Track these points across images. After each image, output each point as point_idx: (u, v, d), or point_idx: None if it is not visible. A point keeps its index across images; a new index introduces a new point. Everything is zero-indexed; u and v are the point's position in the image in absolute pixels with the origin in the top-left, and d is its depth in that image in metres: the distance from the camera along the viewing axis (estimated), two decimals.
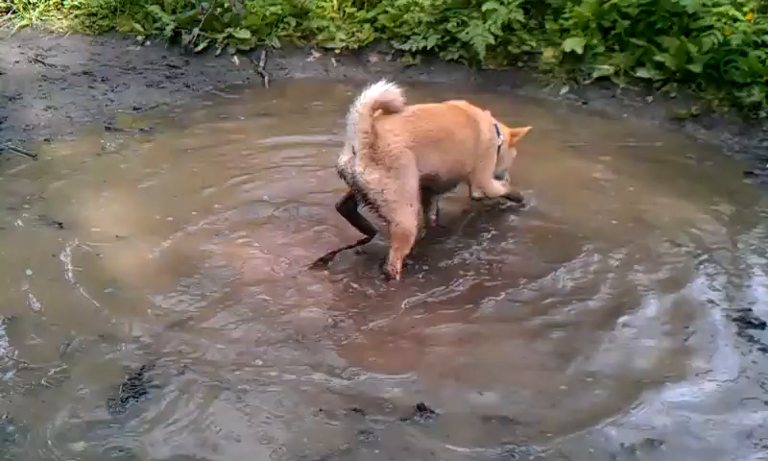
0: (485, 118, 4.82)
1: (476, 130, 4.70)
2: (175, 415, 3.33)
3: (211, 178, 5.54)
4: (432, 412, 3.35)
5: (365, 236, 4.58)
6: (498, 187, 5.01)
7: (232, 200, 5.24)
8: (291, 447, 3.18)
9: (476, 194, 4.95)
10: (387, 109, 4.25)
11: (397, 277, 4.33)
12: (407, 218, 4.28)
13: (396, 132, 4.22)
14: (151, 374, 3.56)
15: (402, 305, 4.16)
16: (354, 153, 4.15)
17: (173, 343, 3.79)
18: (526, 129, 5.09)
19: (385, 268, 4.36)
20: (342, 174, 4.26)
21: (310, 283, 4.33)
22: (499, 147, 4.89)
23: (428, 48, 8.06)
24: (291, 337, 3.86)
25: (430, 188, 4.61)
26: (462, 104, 4.86)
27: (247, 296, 4.20)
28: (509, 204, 5.20)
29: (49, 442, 3.16)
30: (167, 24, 8.40)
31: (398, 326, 4.00)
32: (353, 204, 4.40)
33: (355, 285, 4.33)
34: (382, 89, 4.14)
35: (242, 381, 3.53)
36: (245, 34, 8.28)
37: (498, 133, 4.88)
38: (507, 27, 7.77)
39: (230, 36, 8.34)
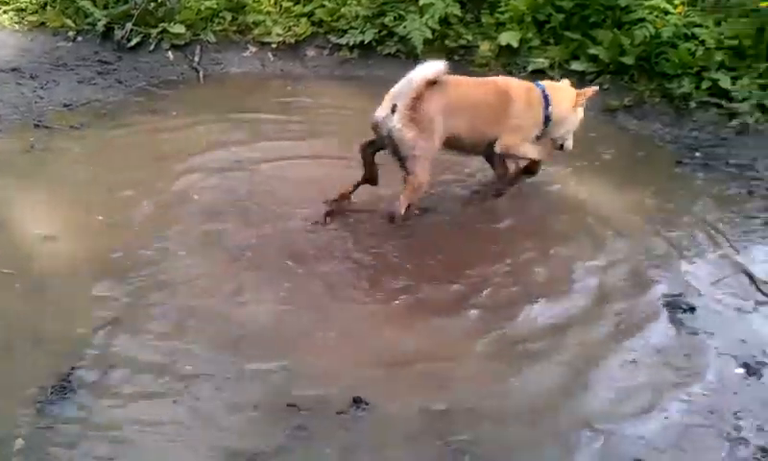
0: (521, 91, 5.13)
1: (506, 101, 5.05)
2: (104, 415, 3.26)
3: (144, 175, 5.41)
4: (368, 404, 3.33)
5: (364, 182, 5.07)
6: (529, 149, 5.21)
7: (164, 198, 5.13)
8: (223, 444, 3.14)
9: (497, 149, 5.12)
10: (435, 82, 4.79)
11: (399, 219, 4.83)
12: (424, 172, 4.83)
13: (433, 99, 4.75)
14: (80, 374, 3.48)
15: (338, 299, 4.14)
16: (393, 111, 4.71)
17: (103, 343, 3.70)
18: (592, 90, 5.29)
19: (391, 209, 4.84)
20: (376, 127, 4.81)
21: (245, 281, 4.28)
22: (548, 116, 5.13)
23: (366, 42, 8.00)
24: (224, 335, 3.81)
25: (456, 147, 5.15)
26: (500, 78, 5.39)
27: (179, 294, 4.12)
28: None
29: None
30: (99, 19, 8.19)
31: (333, 319, 3.97)
32: (375, 150, 4.99)
33: (289, 285, 4.26)
34: (437, 69, 4.76)
35: (174, 379, 3.47)
36: (179, 28, 8.13)
37: (548, 103, 5.12)
38: (444, 21, 7.76)
39: (164, 30, 8.17)
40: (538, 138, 5.20)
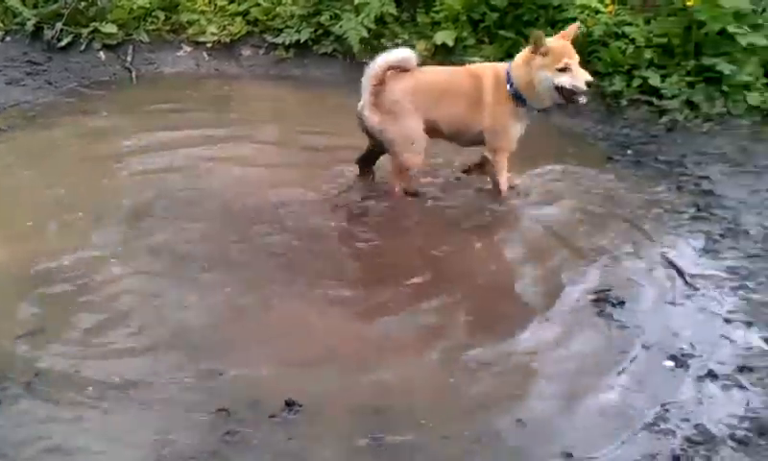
0: (490, 70, 5.10)
1: (478, 87, 5.02)
2: (26, 427, 3.17)
3: (74, 179, 5.31)
4: (300, 406, 3.31)
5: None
6: (503, 165, 5.13)
7: (94, 202, 5.01)
8: (152, 451, 3.07)
9: (486, 154, 5.15)
10: (400, 68, 4.98)
11: (405, 194, 5.15)
12: (406, 155, 5.02)
13: (396, 82, 4.95)
14: (3, 386, 3.39)
15: (269, 301, 4.11)
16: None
17: (27, 353, 3.60)
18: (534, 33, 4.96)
19: (387, 187, 5.20)
20: (358, 118, 5.06)
21: (176, 284, 4.22)
22: (517, 92, 4.95)
23: (302, 41, 7.98)
24: (153, 340, 3.74)
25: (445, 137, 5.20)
26: (476, 66, 5.38)
27: (108, 300, 4.05)
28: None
29: None
30: (28, 19, 8.01)
31: (266, 321, 3.95)
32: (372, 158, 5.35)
33: (220, 288, 4.21)
34: (401, 56, 4.99)
35: (100, 388, 3.39)
36: (111, 28, 8.00)
37: (509, 81, 4.96)
38: (380, 20, 7.79)
39: (96, 30, 8.03)
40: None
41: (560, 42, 4.93)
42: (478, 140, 5.15)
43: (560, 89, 4.88)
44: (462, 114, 5.04)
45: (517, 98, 4.97)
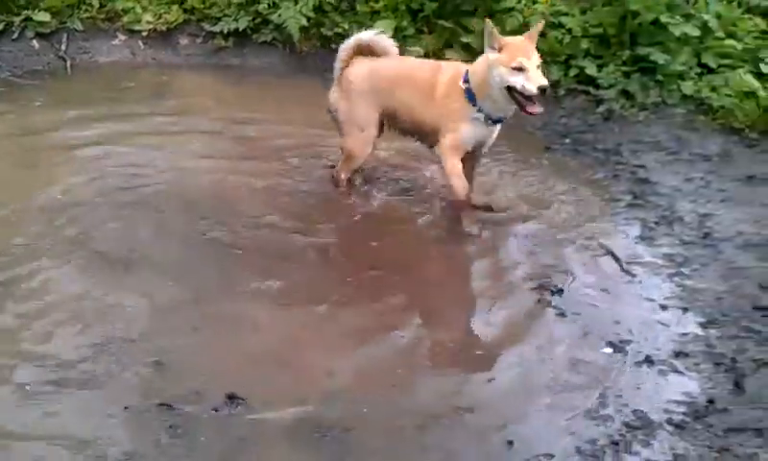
0: (451, 68, 4.81)
1: (433, 79, 4.75)
2: None
3: (3, 173, 5.19)
4: (243, 400, 3.28)
5: None
6: (451, 165, 4.74)
7: (26, 196, 4.87)
8: (92, 447, 3.01)
9: (436, 151, 4.85)
10: (375, 52, 4.95)
11: (342, 186, 5.10)
12: (352, 139, 4.98)
13: (356, 65, 4.94)
14: None
15: (208, 296, 4.07)
16: None
17: None
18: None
19: (333, 173, 5.17)
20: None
21: (116, 280, 4.14)
22: (469, 90, 4.58)
23: (240, 30, 7.89)
24: (90, 336, 3.65)
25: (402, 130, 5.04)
26: (444, 61, 5.20)
27: (38, 294, 3.95)
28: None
29: None
30: None
31: (207, 317, 3.89)
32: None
33: (159, 283, 4.13)
34: (369, 37, 4.92)
35: (39, 384, 3.32)
36: (44, 16, 7.77)
37: (465, 78, 4.60)
38: (319, 9, 7.73)
39: (28, 18, 7.80)
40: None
41: (517, 39, 4.51)
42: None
43: (510, 90, 4.43)
44: (415, 106, 4.78)
45: (470, 97, 4.59)
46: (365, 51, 4.95)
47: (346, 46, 4.96)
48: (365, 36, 4.94)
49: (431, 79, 4.77)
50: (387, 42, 4.94)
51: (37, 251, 4.32)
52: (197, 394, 3.31)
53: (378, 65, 4.93)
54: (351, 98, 4.91)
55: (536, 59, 4.43)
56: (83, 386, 3.34)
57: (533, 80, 4.34)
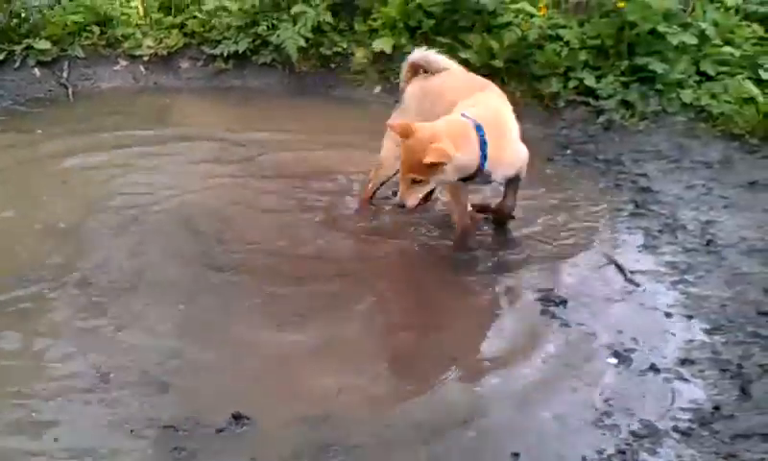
0: (489, 91, 4.74)
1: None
2: None
3: (5, 200, 5.19)
4: (248, 419, 3.28)
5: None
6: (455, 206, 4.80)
7: (28, 226, 4.89)
8: None
9: None
10: (427, 69, 4.94)
11: (365, 197, 5.12)
12: (383, 150, 4.96)
13: (413, 82, 4.96)
14: None
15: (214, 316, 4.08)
16: None
17: None
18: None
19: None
20: None
21: (118, 305, 4.15)
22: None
23: (240, 52, 7.91)
24: (91, 359, 3.66)
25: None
26: (489, 84, 4.86)
27: (41, 319, 3.98)
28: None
29: None
30: None
31: (210, 338, 3.90)
32: None
33: (162, 307, 4.14)
34: (419, 56, 4.95)
35: (45, 411, 3.32)
36: (45, 44, 7.81)
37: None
38: (317, 29, 7.76)
39: (30, 47, 7.84)
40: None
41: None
42: None
43: None
44: None
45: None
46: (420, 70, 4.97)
47: (404, 66, 5.05)
48: (415, 56, 4.98)
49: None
50: (432, 60, 4.94)
51: (41, 277, 4.33)
52: (202, 414, 3.31)
53: (430, 80, 4.90)
54: (402, 107, 4.95)
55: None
56: (87, 409, 3.35)
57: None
